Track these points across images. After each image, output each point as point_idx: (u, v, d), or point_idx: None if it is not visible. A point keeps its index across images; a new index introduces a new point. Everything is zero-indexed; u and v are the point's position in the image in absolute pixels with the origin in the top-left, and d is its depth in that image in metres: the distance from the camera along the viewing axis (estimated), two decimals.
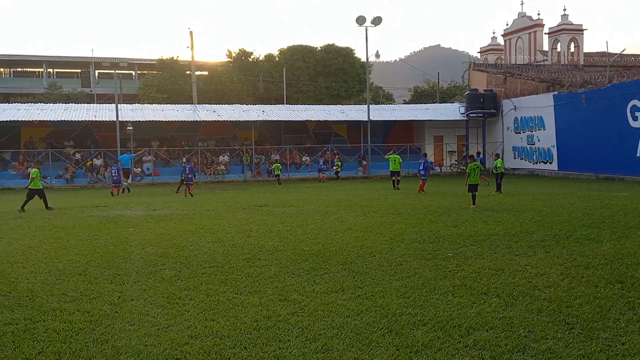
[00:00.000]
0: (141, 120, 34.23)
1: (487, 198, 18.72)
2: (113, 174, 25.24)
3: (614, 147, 28.46)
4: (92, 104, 40.37)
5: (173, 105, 39.74)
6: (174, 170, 35.51)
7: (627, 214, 13.77)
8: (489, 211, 14.89)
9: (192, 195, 22.68)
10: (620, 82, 29.88)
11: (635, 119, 27.18)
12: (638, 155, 26.98)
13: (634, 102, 27.17)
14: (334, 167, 34.75)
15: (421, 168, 23.48)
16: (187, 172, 23.45)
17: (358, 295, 6.74)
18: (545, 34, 49.93)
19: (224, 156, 37.07)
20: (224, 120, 36.53)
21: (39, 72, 62.34)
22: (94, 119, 34.21)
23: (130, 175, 28.70)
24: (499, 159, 22.34)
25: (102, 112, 35.53)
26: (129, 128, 33.60)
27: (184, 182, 23.76)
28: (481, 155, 30.69)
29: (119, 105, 34.46)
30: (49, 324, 5.89)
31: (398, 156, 25.70)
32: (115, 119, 33.34)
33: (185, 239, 11.18)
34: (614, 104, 28.43)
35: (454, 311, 6.06)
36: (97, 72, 61.19)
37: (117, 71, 47.58)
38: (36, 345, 5.29)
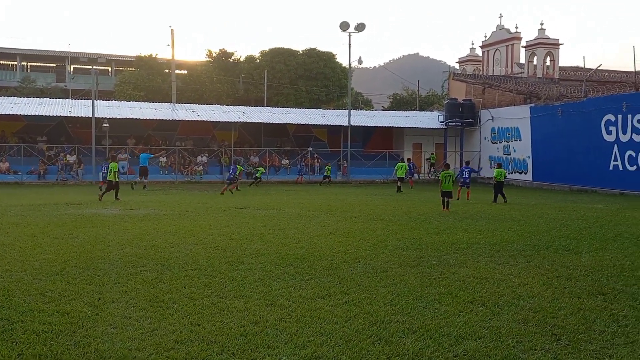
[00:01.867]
0: (117, 117, 33.73)
1: (466, 206, 18.85)
2: (102, 171, 25.57)
3: (587, 159, 28.93)
4: (67, 100, 39.66)
5: (151, 103, 39.28)
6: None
7: (602, 225, 13.97)
8: (469, 219, 14.98)
9: (231, 193, 24.15)
10: (595, 97, 30.37)
11: (609, 133, 27.66)
12: (611, 168, 27.45)
13: (609, 116, 27.66)
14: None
15: (466, 176, 22.52)
16: (231, 171, 25.29)
17: (345, 301, 6.69)
18: (522, 47, 50.69)
19: (202, 157, 36.76)
20: (203, 121, 36.23)
21: (12, 65, 61.14)
22: (68, 115, 33.57)
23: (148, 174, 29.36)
24: (497, 169, 21.71)
25: (77, 108, 34.90)
26: (105, 125, 33.10)
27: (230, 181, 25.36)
28: (472, 164, 30.93)
29: (95, 101, 33.94)
30: (27, 325, 5.72)
31: (404, 164, 28.46)
32: (90, 115, 32.81)
33: (165, 239, 11.01)
34: (589, 118, 28.91)
35: (442, 319, 6.04)
36: (72, 67, 60.26)
37: (93, 67, 46.82)
38: (15, 347, 5.12)
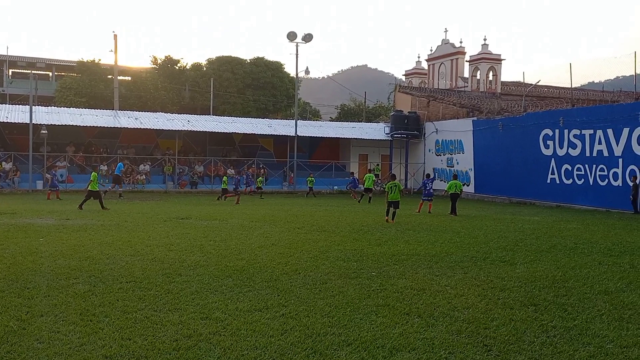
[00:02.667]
0: (57, 124, 32.73)
1: (410, 217, 19.12)
2: (53, 179, 26.58)
3: (526, 173, 29.87)
4: (3, 105, 38.23)
5: (92, 110, 38.28)
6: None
7: (538, 237, 14.39)
8: (410, 231, 15.18)
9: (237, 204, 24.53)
10: (534, 112, 31.46)
11: (547, 147, 28.66)
12: (548, 181, 28.42)
13: (546, 131, 28.67)
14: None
15: (430, 189, 22.62)
16: (235, 182, 26.34)
17: (282, 314, 6.65)
18: (466, 61, 52.05)
19: (145, 165, 36.03)
20: (146, 128, 35.54)
21: None
22: (5, 121, 32.34)
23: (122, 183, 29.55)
24: (452, 180, 22.04)
25: (14, 114, 33.64)
26: (43, 132, 32.01)
27: (236, 191, 26.51)
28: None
29: (33, 107, 32.84)
30: None
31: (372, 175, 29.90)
32: (28, 122, 31.73)
33: (101, 251, 10.71)
34: (528, 132, 29.89)
35: (378, 331, 6.07)
36: (10, 71, 58.19)
37: (33, 71, 45.37)
38: None
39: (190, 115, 41.05)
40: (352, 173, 34.56)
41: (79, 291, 7.49)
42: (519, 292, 8.09)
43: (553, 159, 28.23)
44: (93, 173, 20.88)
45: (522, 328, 6.31)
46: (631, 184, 23.32)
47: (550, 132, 28.46)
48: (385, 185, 18.51)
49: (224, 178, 28.87)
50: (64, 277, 8.29)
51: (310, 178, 33.77)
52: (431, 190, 22.55)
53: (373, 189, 29.33)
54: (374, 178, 30.10)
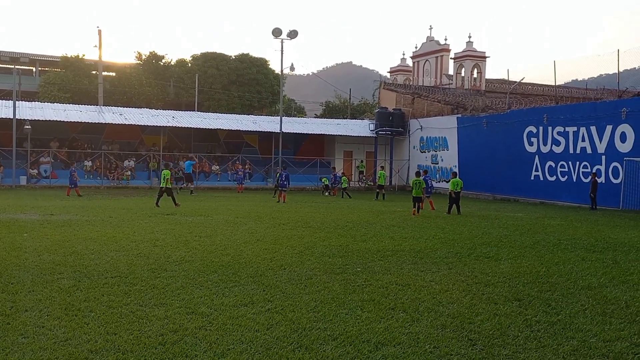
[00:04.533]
0: (40, 119, 32.38)
1: (393, 214, 19.21)
2: (73, 176, 26.17)
3: (510, 169, 30.10)
4: None
5: (76, 105, 37.90)
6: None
7: (522, 234, 14.53)
8: (395, 227, 15.25)
9: (284, 202, 23.82)
10: (518, 109, 31.68)
11: (530, 144, 28.91)
12: (532, 178, 28.68)
13: (530, 128, 28.91)
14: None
15: (431, 186, 22.92)
16: (283, 179, 25.09)
17: (268, 309, 6.66)
18: (451, 58, 52.20)
19: (129, 161, 35.78)
20: (131, 124, 35.29)
21: None
22: None
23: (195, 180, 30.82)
24: (452, 179, 21.29)
25: None
26: (27, 127, 31.69)
27: (279, 188, 25.46)
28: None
29: (16, 102, 32.48)
30: None
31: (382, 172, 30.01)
32: (12, 117, 31.37)
33: (85, 246, 10.65)
34: (512, 129, 30.13)
35: (363, 326, 6.11)
36: None
37: (16, 66, 44.80)
38: None
39: (175, 111, 40.79)
40: (334, 168, 34.63)
41: (64, 286, 7.45)
42: (503, 287, 8.17)
43: (537, 155, 28.49)
44: (166, 171, 21.11)
45: (507, 323, 6.38)
46: (591, 180, 23.80)
47: (534, 129, 28.71)
48: (411, 181, 20.53)
49: (277, 175, 29.03)
50: (49, 272, 8.23)
51: (325, 179, 33.00)
52: (432, 187, 22.93)
53: (385, 185, 29.64)
54: (386, 175, 30.75)
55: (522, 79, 38.88)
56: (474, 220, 17.97)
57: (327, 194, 31.16)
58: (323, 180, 33.17)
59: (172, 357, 5.06)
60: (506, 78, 45.36)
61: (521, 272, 9.32)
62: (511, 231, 15.02)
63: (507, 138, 30.49)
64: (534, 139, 28.72)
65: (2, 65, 57.75)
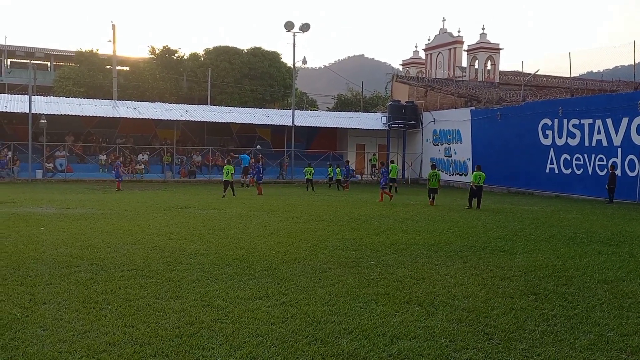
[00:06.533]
0: (56, 113, 32.63)
1: (406, 207, 19.18)
2: (118, 169, 27.24)
3: (525, 162, 29.87)
4: (2, 94, 38.10)
5: (91, 99, 38.18)
6: (89, 167, 34.19)
7: (537, 227, 14.44)
8: (409, 220, 15.21)
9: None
10: (533, 101, 31.42)
11: (545, 136, 28.68)
12: (547, 171, 28.46)
13: (545, 120, 28.66)
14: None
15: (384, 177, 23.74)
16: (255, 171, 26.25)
17: (283, 302, 6.69)
18: (464, 50, 51.83)
19: (143, 155, 35.99)
20: (145, 118, 35.46)
21: None
22: (4, 110, 32.25)
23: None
24: (475, 172, 21.02)
25: (13, 103, 33.58)
26: (43, 121, 31.97)
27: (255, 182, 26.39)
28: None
29: (32, 97, 32.74)
30: None
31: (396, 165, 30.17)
32: (27, 111, 31.65)
33: (102, 239, 10.75)
34: (527, 122, 29.88)
35: (378, 320, 6.11)
36: (9, 60, 57.98)
37: (32, 61, 45.16)
38: None
39: (188, 105, 40.95)
40: (347, 162, 34.51)
41: (81, 279, 7.52)
42: (519, 281, 8.13)
43: (552, 148, 28.25)
44: (228, 166, 23.36)
45: (523, 317, 6.35)
46: (610, 173, 23.53)
47: (549, 122, 28.46)
48: (428, 174, 21.75)
49: (309, 169, 29.64)
50: (66, 265, 8.32)
51: (337, 169, 31.20)
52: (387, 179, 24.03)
53: (397, 178, 29.70)
54: (398, 168, 31.17)
55: (536, 71, 38.58)
56: (489, 213, 17.89)
57: (339, 187, 30.69)
58: (329, 171, 32.69)
59: (189, 350, 5.09)
60: (520, 70, 44.98)
61: (537, 265, 9.27)
62: (526, 224, 14.93)
63: (522, 130, 30.25)
64: (549, 132, 28.47)
65: (18, 60, 58.31)
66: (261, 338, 5.44)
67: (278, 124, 38.15)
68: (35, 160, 32.11)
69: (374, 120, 42.02)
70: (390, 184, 28.72)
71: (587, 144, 26.24)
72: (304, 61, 41.05)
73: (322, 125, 40.01)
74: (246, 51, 54.27)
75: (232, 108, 42.08)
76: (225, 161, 26.03)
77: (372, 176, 40.05)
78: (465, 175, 34.72)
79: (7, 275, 7.62)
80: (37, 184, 29.01)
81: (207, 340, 5.34)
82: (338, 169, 30.73)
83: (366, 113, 47.91)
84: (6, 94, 38.77)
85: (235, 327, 5.71)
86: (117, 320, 5.85)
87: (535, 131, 29.25)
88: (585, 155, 26.30)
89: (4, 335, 5.34)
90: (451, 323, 6.07)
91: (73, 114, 33.29)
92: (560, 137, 27.78)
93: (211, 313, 6.16)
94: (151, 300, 6.61)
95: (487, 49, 49.60)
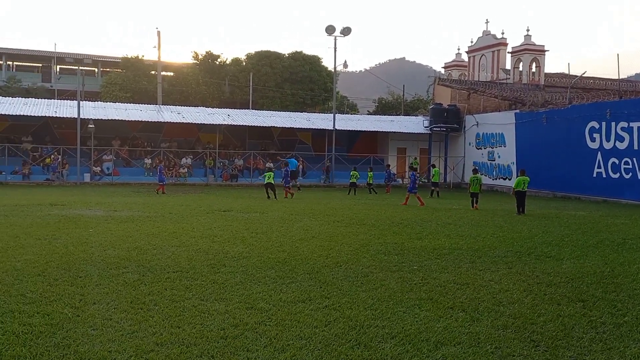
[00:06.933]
0: (103, 118, 33.55)
1: (449, 212, 18.98)
2: (160, 173, 27.43)
3: (571, 166, 29.21)
4: (52, 100, 39.33)
5: (136, 104, 39.07)
6: (134, 170, 35.00)
7: (584, 232, 14.10)
8: (451, 225, 15.06)
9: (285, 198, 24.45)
10: (579, 104, 30.71)
11: (592, 140, 27.97)
12: (594, 175, 27.75)
13: (592, 123, 27.96)
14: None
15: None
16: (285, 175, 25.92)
17: (325, 305, 6.71)
18: (508, 52, 51.02)
19: (186, 159, 36.64)
20: (188, 123, 36.12)
21: None
22: (54, 115, 33.32)
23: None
24: (520, 177, 20.12)
25: (62, 109, 34.66)
26: (91, 126, 32.92)
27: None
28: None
29: (80, 102, 33.72)
30: (7, 326, 5.68)
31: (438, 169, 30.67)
32: (76, 116, 32.61)
33: (148, 242, 10.98)
34: (573, 125, 29.21)
35: (422, 325, 6.07)
36: (58, 67, 59.75)
37: (80, 67, 46.45)
38: None
39: (230, 109, 41.48)
40: (388, 166, 34.31)
41: (129, 280, 7.71)
42: (566, 287, 7.96)
43: (599, 152, 27.53)
44: (269, 172, 24.69)
45: (570, 324, 6.22)
46: None
47: (596, 125, 27.74)
48: (470, 178, 22.31)
49: (355, 172, 29.57)
50: (114, 267, 8.53)
51: (354, 172, 30.23)
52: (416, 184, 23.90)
53: (439, 182, 29.73)
54: (440, 172, 31.54)
55: (583, 73, 37.77)
56: (534, 218, 17.55)
57: (370, 191, 29.87)
58: (352, 175, 29.84)
59: (233, 351, 5.16)
60: (566, 72, 44.12)
61: (584, 272, 9.05)
62: (573, 230, 14.60)
63: (568, 134, 29.58)
64: (596, 135, 27.76)
65: (66, 67, 60.02)
66: (304, 341, 5.47)
67: (319, 127, 38.28)
68: (83, 163, 33.06)
69: (415, 124, 41.75)
70: (432, 188, 28.51)
71: (636, 147, 25.48)
72: (345, 65, 41.17)
73: (363, 129, 39.97)
74: (287, 55, 54.64)
75: (274, 112, 42.42)
76: (267, 168, 26.87)
77: (417, 181, 39.64)
78: (510, 179, 34.14)
79: (59, 276, 7.86)
80: (85, 187, 29.84)
81: (251, 342, 5.40)
82: (370, 172, 30.51)
83: (407, 117, 47.61)
84: (56, 100, 39.99)
85: (279, 330, 5.76)
86: (164, 321, 5.97)
87: (582, 134, 28.55)
88: (635, 159, 25.53)
89: (57, 334, 5.51)
90: (496, 329, 5.99)
91: (119, 118, 34.16)
92: (608, 140, 27.06)
93: (255, 315, 6.22)
94: (196, 301, 6.73)
95: (532, 51, 48.70)
